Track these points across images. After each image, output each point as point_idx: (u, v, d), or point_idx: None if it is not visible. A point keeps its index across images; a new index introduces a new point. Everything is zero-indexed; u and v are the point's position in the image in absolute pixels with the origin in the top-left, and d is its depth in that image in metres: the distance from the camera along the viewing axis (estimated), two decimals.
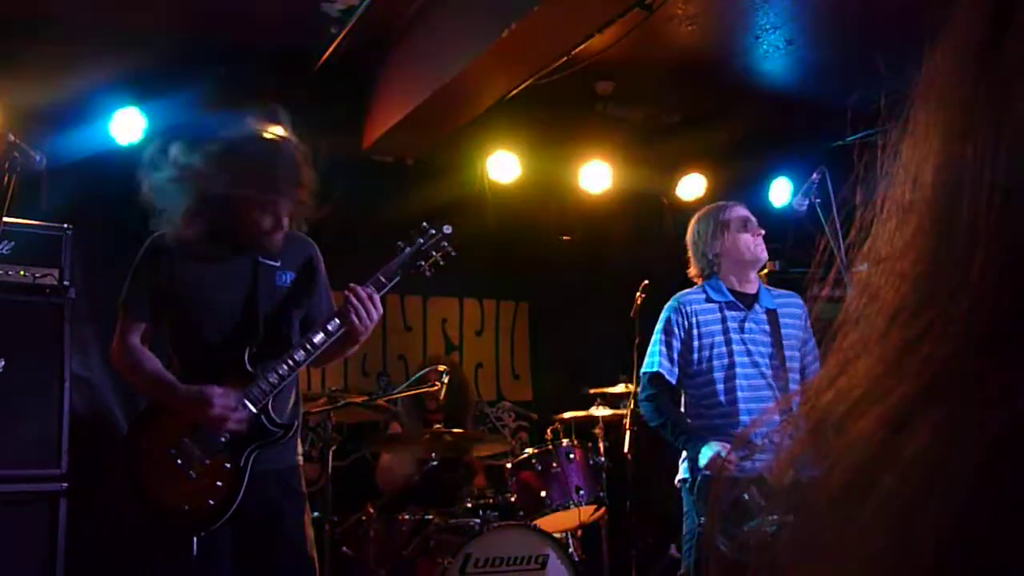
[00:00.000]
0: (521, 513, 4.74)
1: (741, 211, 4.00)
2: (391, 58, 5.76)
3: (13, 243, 4.25)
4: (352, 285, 3.20)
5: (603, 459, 5.02)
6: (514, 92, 5.40)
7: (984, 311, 0.40)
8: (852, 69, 5.73)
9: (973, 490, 0.38)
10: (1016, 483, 0.37)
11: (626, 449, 5.00)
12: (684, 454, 3.87)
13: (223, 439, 3.09)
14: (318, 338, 3.16)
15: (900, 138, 0.47)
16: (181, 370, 3.20)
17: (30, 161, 3.50)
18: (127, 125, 5.37)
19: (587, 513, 4.85)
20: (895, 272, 0.45)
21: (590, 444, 5.12)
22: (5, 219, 3.53)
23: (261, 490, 3.13)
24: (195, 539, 3.05)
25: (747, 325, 3.89)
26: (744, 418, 3.75)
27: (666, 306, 3.98)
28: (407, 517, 4.77)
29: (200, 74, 5.42)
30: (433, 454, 4.98)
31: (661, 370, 3.89)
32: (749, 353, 3.84)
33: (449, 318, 6.98)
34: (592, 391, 5.53)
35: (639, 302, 4.96)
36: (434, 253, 3.40)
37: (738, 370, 3.81)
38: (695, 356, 3.88)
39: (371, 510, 4.83)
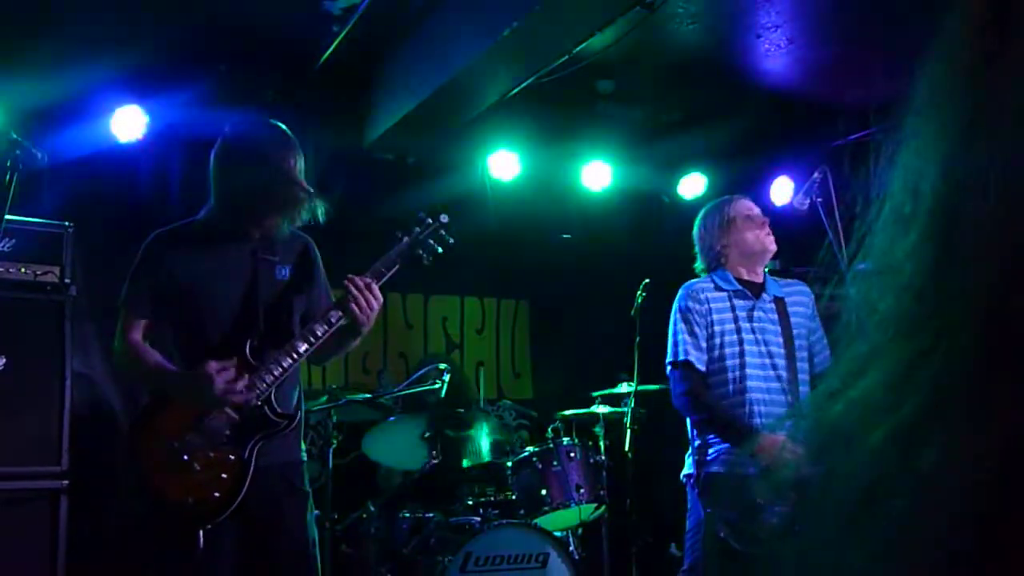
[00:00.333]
0: (521, 511, 4.74)
1: (747, 204, 3.99)
2: (392, 56, 5.76)
3: (14, 240, 4.26)
4: (351, 276, 3.22)
5: (604, 457, 5.02)
6: (515, 90, 5.40)
7: (993, 323, 0.40)
8: (853, 68, 5.74)
9: (985, 502, 0.38)
10: None
11: (627, 447, 5.00)
12: (690, 449, 3.86)
13: (227, 432, 3.09)
14: (320, 330, 3.18)
15: (896, 148, 0.47)
16: (183, 366, 3.21)
17: (31, 159, 3.51)
18: (128, 123, 5.37)
19: (588, 512, 4.85)
20: (895, 284, 0.45)
21: (590, 442, 5.12)
22: (6, 216, 3.52)
23: (264, 485, 3.14)
24: (201, 532, 3.05)
25: (756, 314, 3.85)
26: (752, 408, 3.73)
27: (679, 296, 3.92)
28: (407, 515, 4.77)
29: (201, 72, 5.43)
30: (433, 452, 4.98)
31: (691, 359, 3.79)
32: (758, 342, 3.80)
33: (450, 316, 6.99)
34: (592, 390, 5.53)
35: (640, 301, 4.96)
36: (432, 242, 3.43)
37: (748, 359, 3.77)
38: (710, 343, 3.84)
39: (371, 508, 4.83)
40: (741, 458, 3.61)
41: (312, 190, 3.24)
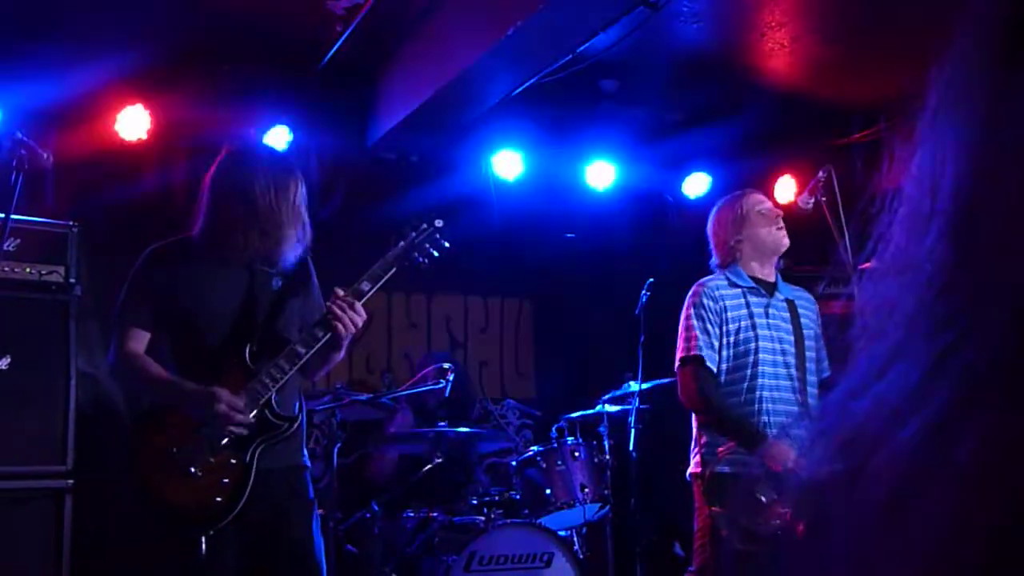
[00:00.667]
0: (526, 511, 4.74)
1: (760, 198, 3.99)
2: (396, 55, 5.76)
3: (19, 240, 4.26)
4: (335, 295, 3.23)
5: (608, 457, 5.02)
6: (519, 89, 5.40)
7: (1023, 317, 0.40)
8: (857, 66, 5.73)
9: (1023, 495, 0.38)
10: None
11: (631, 447, 4.99)
12: (695, 447, 3.85)
13: (227, 437, 3.09)
14: (320, 334, 3.18)
15: (913, 147, 0.47)
16: (181, 373, 3.22)
17: (37, 159, 3.51)
18: (133, 123, 5.38)
19: (592, 511, 4.85)
20: (916, 283, 0.45)
21: (595, 442, 5.12)
22: (11, 216, 3.53)
23: (267, 490, 3.14)
24: (203, 538, 3.05)
25: (771, 311, 3.85)
26: (763, 405, 3.72)
27: (693, 292, 3.89)
28: (411, 515, 4.77)
29: (205, 71, 5.44)
30: (437, 452, 4.98)
31: (703, 355, 3.76)
32: (773, 339, 3.79)
33: (454, 316, 6.99)
34: (596, 389, 5.52)
35: (644, 300, 4.96)
36: (427, 246, 3.45)
37: (762, 355, 3.75)
38: (722, 341, 3.81)
39: (375, 507, 4.83)
40: (748, 458, 3.60)
41: (305, 221, 3.28)
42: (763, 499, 3.30)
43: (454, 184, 6.31)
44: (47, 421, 4.25)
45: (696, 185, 6.94)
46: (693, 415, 3.88)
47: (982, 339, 0.41)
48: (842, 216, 3.61)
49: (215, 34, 5.40)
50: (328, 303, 3.21)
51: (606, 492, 4.88)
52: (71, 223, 4.49)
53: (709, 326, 3.80)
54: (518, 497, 4.83)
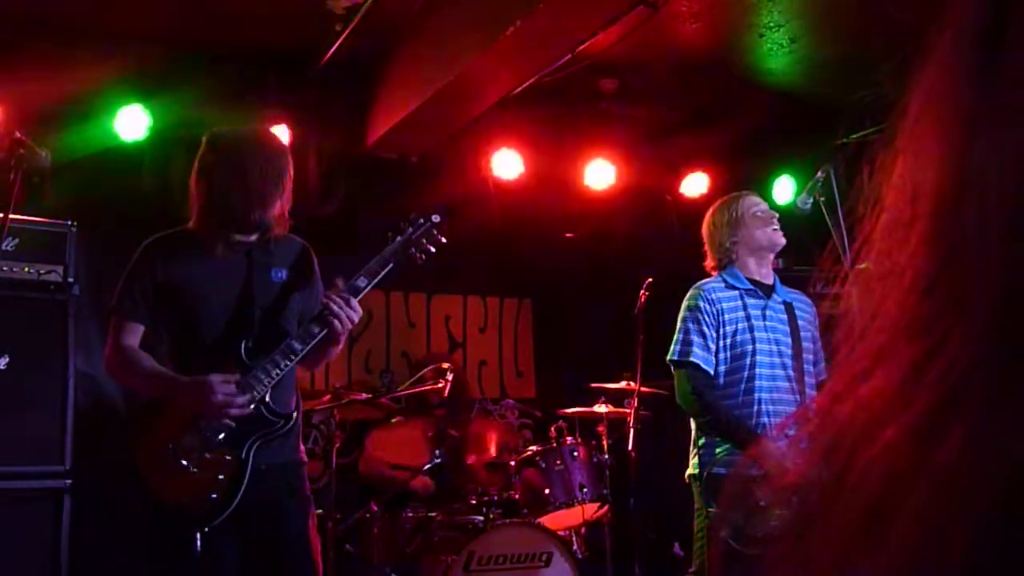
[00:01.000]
0: (525, 511, 4.74)
1: (755, 200, 3.99)
2: (395, 55, 5.76)
3: (18, 240, 4.26)
4: (328, 293, 3.23)
5: (607, 456, 5.02)
6: (518, 89, 5.40)
7: (1005, 317, 0.40)
8: (855, 67, 5.73)
9: (1008, 494, 0.38)
10: None
11: (630, 447, 4.99)
12: (694, 448, 3.85)
13: (223, 433, 3.09)
14: (315, 329, 3.17)
15: (895, 152, 0.47)
16: (177, 366, 3.20)
17: (36, 158, 3.51)
18: (131, 122, 5.38)
19: (591, 511, 4.86)
20: (899, 287, 0.45)
21: (594, 442, 5.12)
22: (10, 216, 3.53)
23: (263, 487, 3.13)
24: (198, 534, 3.05)
25: (768, 313, 3.85)
26: (761, 407, 3.72)
27: (690, 295, 3.91)
28: (410, 514, 4.77)
29: (204, 71, 5.44)
30: (437, 451, 4.98)
31: (697, 359, 3.77)
32: (770, 341, 3.80)
33: (453, 315, 6.99)
34: (595, 386, 5.52)
35: (643, 300, 4.96)
36: (424, 241, 3.43)
37: (759, 358, 3.76)
38: (719, 343, 3.82)
39: (374, 507, 4.83)
40: (745, 459, 3.60)
41: (287, 187, 3.27)
42: (761, 500, 3.29)
43: (454, 184, 6.31)
44: (46, 421, 4.25)
45: (695, 185, 6.94)
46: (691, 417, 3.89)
47: (963, 342, 0.41)
48: (841, 216, 3.61)
49: (214, 34, 5.41)
50: (324, 298, 3.21)
51: (605, 492, 4.88)
52: (70, 223, 4.49)
53: (705, 328, 3.81)
54: (517, 497, 4.83)
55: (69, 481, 4.23)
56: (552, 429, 5.32)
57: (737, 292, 3.87)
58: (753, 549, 3.16)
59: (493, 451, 5.40)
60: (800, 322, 3.88)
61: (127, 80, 5.32)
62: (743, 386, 3.75)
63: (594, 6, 4.50)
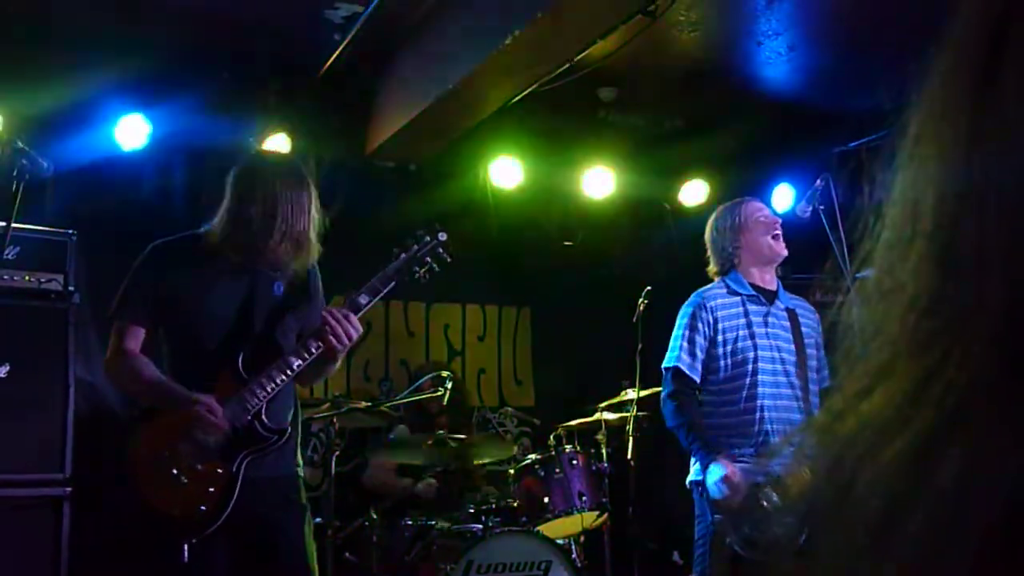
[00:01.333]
0: (524, 519, 4.73)
1: (758, 206, 3.99)
2: (394, 64, 5.77)
3: (18, 248, 4.26)
4: (327, 308, 3.21)
5: (606, 465, 5.01)
6: (517, 98, 5.41)
7: (1005, 336, 0.40)
8: (854, 75, 5.74)
9: (1008, 517, 0.38)
10: None
11: (629, 455, 4.99)
12: (694, 455, 3.84)
13: (217, 445, 3.08)
14: (313, 345, 3.16)
15: (891, 174, 0.47)
16: (175, 375, 3.19)
17: (38, 168, 3.52)
18: (132, 131, 5.39)
19: (590, 519, 4.85)
20: (899, 304, 0.45)
21: (593, 450, 5.12)
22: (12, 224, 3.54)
23: (257, 499, 3.12)
24: (186, 545, 3.04)
25: (770, 320, 3.85)
26: (763, 414, 3.72)
27: (688, 302, 3.91)
28: (409, 523, 4.77)
29: (204, 80, 5.45)
30: (437, 459, 4.98)
31: (681, 365, 3.80)
32: (772, 348, 3.79)
33: (452, 324, 6.99)
34: (594, 397, 5.53)
35: (642, 308, 4.96)
36: (428, 259, 3.40)
37: (761, 365, 3.76)
38: (719, 351, 3.82)
39: (373, 515, 4.83)
40: (750, 466, 3.62)
41: (321, 227, 3.24)
42: (767, 506, 3.30)
43: (453, 192, 6.32)
44: (46, 429, 4.25)
45: (694, 193, 6.94)
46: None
47: (964, 361, 0.41)
48: (840, 224, 3.62)
49: (214, 42, 5.42)
50: (323, 314, 3.18)
51: (604, 500, 4.88)
52: (70, 231, 4.50)
53: (697, 336, 3.82)
54: (516, 505, 4.82)
55: (69, 489, 4.23)
56: (551, 437, 5.33)
57: (739, 298, 3.86)
58: (758, 555, 3.16)
59: (492, 460, 5.39)
60: (804, 329, 3.88)
61: (127, 89, 5.33)
62: (744, 393, 3.75)
63: (593, 15, 4.51)
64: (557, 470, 4.81)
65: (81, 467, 4.31)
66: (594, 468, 4.93)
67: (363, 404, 5.09)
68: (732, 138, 6.35)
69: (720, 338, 3.81)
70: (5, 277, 4.22)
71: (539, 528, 4.62)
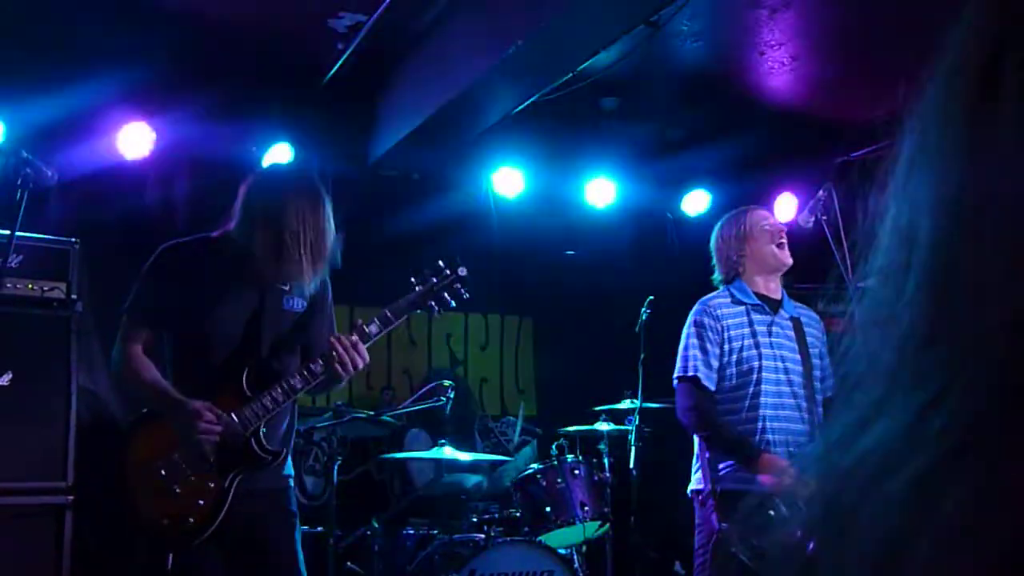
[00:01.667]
0: (526, 529, 4.73)
1: (764, 214, 3.99)
2: (397, 74, 5.79)
3: (21, 256, 4.27)
4: (336, 336, 3.17)
5: (608, 475, 5.01)
6: (520, 108, 5.42)
7: (1009, 366, 0.39)
8: (856, 85, 5.75)
9: (1015, 551, 0.38)
10: None
11: (631, 464, 4.99)
12: (698, 463, 3.83)
13: (211, 458, 3.06)
14: (317, 368, 3.14)
15: (888, 199, 0.47)
16: (177, 383, 3.17)
17: (42, 176, 3.52)
18: (135, 140, 5.40)
19: (592, 529, 4.84)
20: (895, 334, 0.45)
21: (595, 459, 5.11)
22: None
23: (248, 510, 3.11)
24: (170, 555, 3.03)
25: (775, 329, 3.83)
26: (764, 423, 3.70)
27: (695, 311, 3.88)
28: (412, 532, 4.77)
29: (208, 89, 5.46)
30: (437, 469, 4.98)
31: (699, 375, 3.75)
32: (776, 358, 3.77)
33: (454, 333, 7.00)
34: (596, 406, 5.52)
35: (644, 317, 4.96)
36: (446, 295, 3.34)
37: (765, 375, 3.73)
38: (725, 360, 3.79)
39: (375, 524, 4.82)
40: (752, 475, 3.60)
41: (338, 241, 3.19)
42: (773, 515, 3.29)
43: (455, 201, 6.33)
44: (48, 437, 4.25)
45: (696, 203, 6.95)
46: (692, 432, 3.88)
47: (965, 392, 0.40)
48: (842, 234, 3.61)
49: (217, 52, 5.43)
50: (331, 340, 3.14)
51: (606, 510, 4.87)
52: (73, 240, 4.50)
53: (708, 344, 3.79)
54: (518, 515, 4.82)
55: (71, 497, 4.23)
56: (553, 447, 5.32)
57: (744, 307, 3.85)
58: (765, 567, 3.14)
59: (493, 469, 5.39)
60: (808, 339, 3.86)
61: (130, 98, 5.35)
62: (747, 402, 3.73)
63: (596, 25, 4.52)
64: (559, 480, 4.81)
65: (83, 475, 4.30)
66: (596, 478, 4.92)
67: (366, 413, 5.09)
68: (734, 148, 6.35)
69: (727, 347, 3.79)
70: (8, 285, 4.23)
71: (541, 538, 4.62)
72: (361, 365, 3.16)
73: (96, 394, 4.95)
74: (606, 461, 5.15)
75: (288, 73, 5.71)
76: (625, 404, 5.34)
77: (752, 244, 3.90)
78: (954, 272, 0.42)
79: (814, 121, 6.21)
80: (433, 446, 4.95)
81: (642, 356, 4.89)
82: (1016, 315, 0.40)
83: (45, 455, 4.22)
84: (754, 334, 3.80)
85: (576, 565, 4.65)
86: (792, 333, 3.85)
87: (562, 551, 4.60)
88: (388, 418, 5.19)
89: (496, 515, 4.84)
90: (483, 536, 4.56)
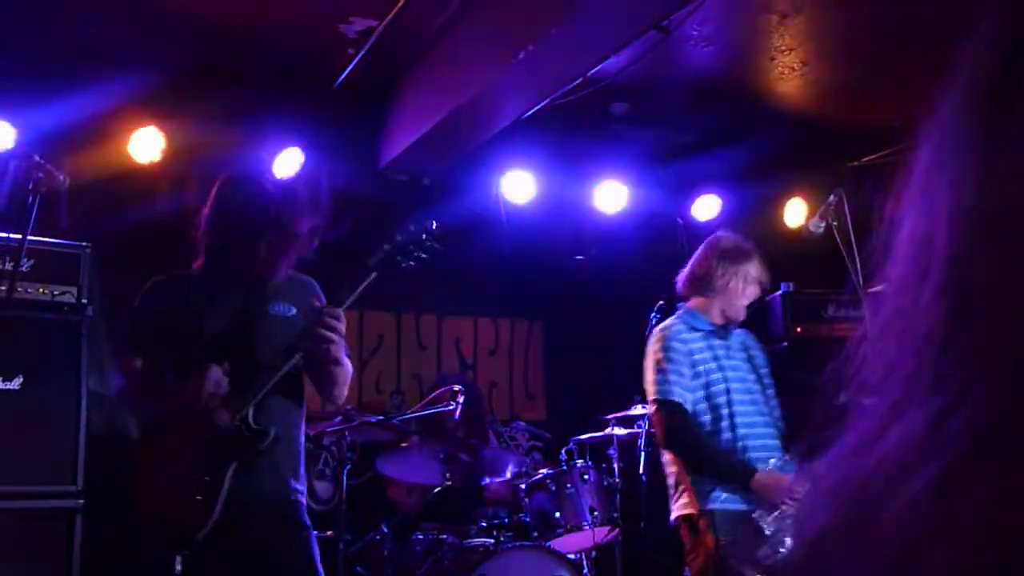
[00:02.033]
0: (535, 534, 4.72)
1: (763, 271, 3.99)
2: (408, 78, 5.80)
3: (33, 261, 4.29)
4: (305, 308, 3.21)
5: (617, 480, 5.00)
6: (530, 112, 5.42)
7: None
8: (866, 90, 5.74)
9: None
10: None
11: (641, 470, 4.98)
12: (681, 488, 3.83)
13: (207, 453, 3.07)
14: (295, 344, 3.13)
15: (905, 207, 0.47)
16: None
17: (54, 181, 3.54)
18: (146, 144, 5.41)
19: (601, 534, 4.83)
20: (911, 341, 0.45)
21: (604, 465, 5.10)
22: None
23: (255, 521, 3.11)
24: (178, 557, 3.03)
25: (731, 352, 3.92)
26: (744, 443, 3.73)
27: (658, 338, 3.92)
28: (421, 537, 4.76)
29: (219, 94, 5.48)
30: (447, 474, 4.97)
31: (678, 398, 3.79)
32: (740, 380, 3.86)
33: (463, 337, 6.99)
34: (606, 411, 5.52)
35: (654, 322, 4.95)
36: (411, 248, 3.30)
37: (735, 396, 3.81)
38: (694, 383, 3.84)
39: (385, 529, 4.82)
40: (741, 493, 3.65)
41: (314, 225, 3.27)
42: (767, 530, 3.31)
43: (465, 206, 6.33)
44: (58, 441, 4.26)
45: (706, 208, 6.94)
46: (665, 459, 3.89)
47: (982, 396, 0.40)
48: (852, 240, 3.61)
49: (228, 56, 5.45)
50: (306, 309, 3.20)
51: (615, 515, 4.86)
52: (84, 244, 4.52)
53: (684, 368, 3.83)
54: (527, 520, 4.81)
55: (81, 501, 4.24)
56: (563, 452, 5.31)
57: (700, 334, 3.90)
58: None
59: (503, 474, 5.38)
60: (756, 360, 3.93)
61: (142, 103, 5.37)
62: (726, 423, 3.78)
63: (606, 29, 4.52)
64: (568, 485, 4.80)
65: (94, 479, 4.32)
66: (605, 483, 4.92)
67: (375, 417, 5.09)
68: (745, 153, 6.35)
69: (694, 371, 3.83)
70: (19, 289, 4.24)
71: (550, 543, 4.61)
72: (341, 329, 3.11)
73: (107, 398, 4.96)
74: (615, 466, 5.15)
75: (299, 78, 5.72)
76: (636, 410, 5.33)
77: (738, 286, 3.91)
78: (971, 277, 0.42)
79: (824, 126, 6.20)
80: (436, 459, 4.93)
81: None
82: None
83: (55, 459, 4.24)
84: (716, 358, 3.86)
85: (585, 571, 4.64)
86: (744, 355, 3.93)
87: (571, 556, 4.59)
88: (397, 423, 5.19)
89: (505, 520, 4.83)
90: (492, 541, 4.56)
